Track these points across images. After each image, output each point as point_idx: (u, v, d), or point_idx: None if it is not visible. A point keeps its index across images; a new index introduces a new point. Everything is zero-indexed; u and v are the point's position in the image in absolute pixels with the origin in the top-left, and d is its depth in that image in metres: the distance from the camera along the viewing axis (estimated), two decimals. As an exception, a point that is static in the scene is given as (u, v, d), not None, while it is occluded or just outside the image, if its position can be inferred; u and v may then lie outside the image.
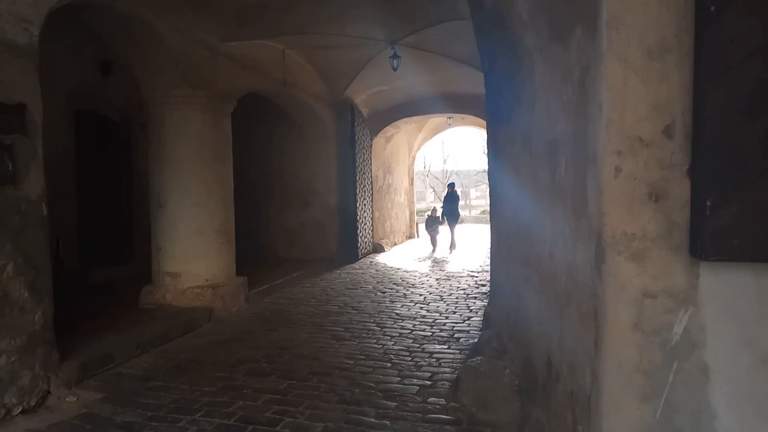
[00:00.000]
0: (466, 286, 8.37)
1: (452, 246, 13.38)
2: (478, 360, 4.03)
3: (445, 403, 3.78)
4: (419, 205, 31.99)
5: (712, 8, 1.79)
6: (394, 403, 3.79)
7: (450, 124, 16.74)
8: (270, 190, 11.21)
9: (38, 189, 3.75)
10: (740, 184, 1.79)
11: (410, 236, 17.02)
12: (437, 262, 11.39)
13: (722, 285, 1.89)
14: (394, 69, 8.53)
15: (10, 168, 3.48)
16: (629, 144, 1.95)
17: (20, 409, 3.54)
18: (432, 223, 13.73)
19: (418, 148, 17.91)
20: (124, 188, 8.46)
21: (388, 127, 13.35)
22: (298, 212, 11.18)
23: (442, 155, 42.35)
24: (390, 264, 11.02)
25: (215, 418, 3.55)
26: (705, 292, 1.91)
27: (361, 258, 11.55)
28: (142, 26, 5.45)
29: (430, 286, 8.45)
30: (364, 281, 8.98)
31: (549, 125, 2.84)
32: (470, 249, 13.62)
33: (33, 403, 3.66)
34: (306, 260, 10.34)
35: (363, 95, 11.41)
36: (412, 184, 17.77)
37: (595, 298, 2.10)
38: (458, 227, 14.27)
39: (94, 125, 7.91)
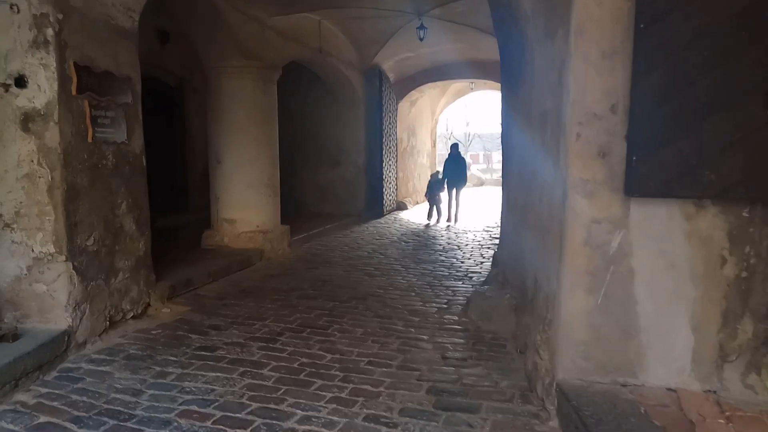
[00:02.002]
0: (482, 239, 9.32)
1: (454, 217, 11.67)
2: (485, 288, 5.02)
3: (457, 318, 4.80)
4: (440, 167, 32.67)
5: (641, 26, 2.64)
6: (417, 318, 4.82)
7: (472, 89, 17.35)
8: (304, 151, 12.16)
9: (140, 144, 4.76)
10: (655, 147, 2.68)
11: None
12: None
13: (644, 214, 2.80)
14: (421, 39, 9.29)
15: (124, 127, 4.48)
16: (587, 117, 2.84)
17: (131, 315, 4.64)
18: (435, 188, 11.89)
19: (441, 112, 18.61)
20: (178, 146, 9.48)
21: (413, 92, 14.11)
22: (330, 171, 12.15)
23: (465, 119, 42.59)
24: (412, 220, 12.00)
25: (280, 323, 4.62)
26: (633, 219, 2.82)
27: (386, 214, 12.54)
28: (206, 5, 6.34)
29: (449, 238, 9.43)
30: (390, 233, 9.99)
31: (541, 101, 3.70)
32: (489, 209, 14.42)
33: (139, 311, 4.76)
34: (336, 215, 11.36)
35: (390, 61, 12.16)
36: (434, 146, 18.56)
37: (561, 224, 3.02)
38: (465, 192, 12.62)
39: (153, 89, 8.88)
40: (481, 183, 27.48)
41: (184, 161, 9.43)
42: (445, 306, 5.22)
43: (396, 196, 13.70)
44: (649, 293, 2.84)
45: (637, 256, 2.83)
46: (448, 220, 11.62)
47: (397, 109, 13.51)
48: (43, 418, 2.99)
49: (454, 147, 12.11)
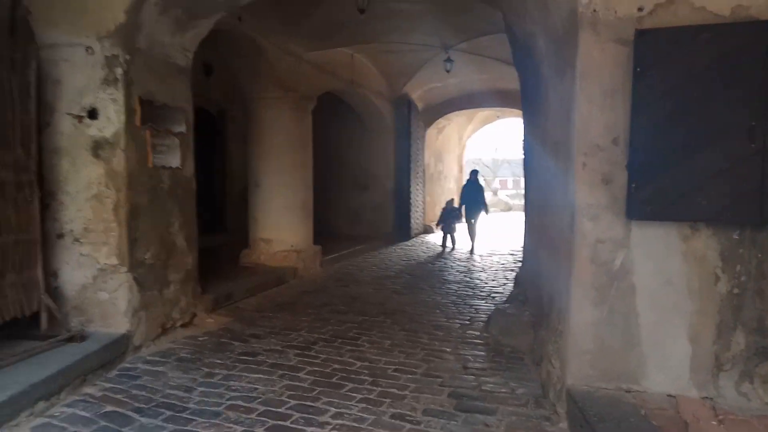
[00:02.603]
0: (506, 262, 9.59)
1: (471, 249, 10.94)
2: (506, 305, 5.32)
3: (479, 334, 5.11)
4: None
5: (638, 69, 3.01)
6: (441, 333, 5.14)
7: (498, 117, 17.75)
8: (335, 175, 12.67)
9: (191, 169, 5.27)
10: (652, 175, 3.01)
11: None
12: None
13: (644, 235, 3.11)
14: (447, 71, 9.77)
15: (178, 154, 4.99)
16: (591, 149, 3.19)
17: (180, 323, 5.09)
18: (448, 217, 11.48)
19: (468, 138, 19.02)
20: (217, 170, 10.09)
21: (440, 119, 14.59)
22: (359, 195, 12.62)
23: (494, 144, 42.86)
24: (439, 243, 12.31)
25: (313, 334, 5.01)
26: (634, 239, 3.14)
27: (413, 237, 12.91)
28: (250, 43, 6.93)
29: (475, 261, 9.73)
30: (417, 255, 10.34)
31: (554, 132, 4.06)
32: (514, 233, 14.63)
33: (186, 320, 5.20)
34: (365, 237, 11.77)
35: (419, 91, 12.68)
36: (461, 171, 18.92)
37: (569, 244, 3.35)
38: (492, 217, 12.18)
39: (196, 117, 9.52)
40: (509, 208, 27.63)
41: (223, 185, 10.01)
42: (467, 322, 5.54)
43: (423, 219, 14.07)
44: (650, 307, 3.13)
45: (638, 273, 3.14)
46: (471, 251, 10.85)
47: (424, 136, 13.97)
48: (109, 408, 3.42)
49: (473, 173, 11.66)
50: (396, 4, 7.26)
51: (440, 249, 11.29)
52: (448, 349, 4.65)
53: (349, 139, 12.56)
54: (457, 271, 8.67)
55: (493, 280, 7.87)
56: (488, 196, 28.00)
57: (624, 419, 2.82)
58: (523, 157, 6.72)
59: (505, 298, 6.32)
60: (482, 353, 4.58)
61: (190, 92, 5.28)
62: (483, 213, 11.19)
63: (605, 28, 3.15)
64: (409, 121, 12.51)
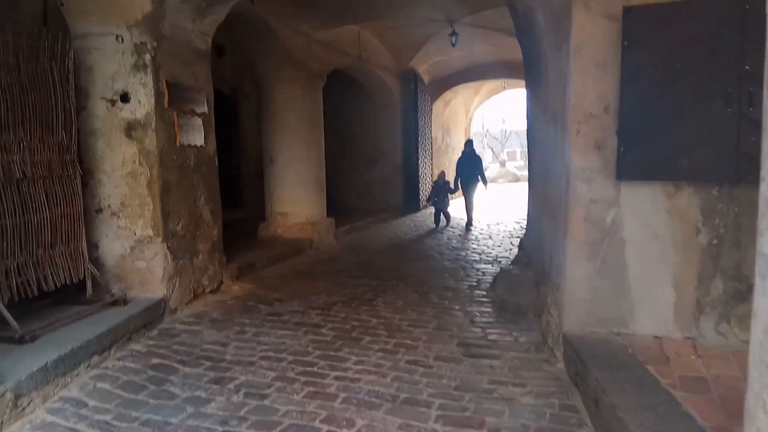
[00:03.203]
0: (512, 229, 9.94)
1: (468, 222, 10.30)
2: (510, 267, 5.69)
3: (485, 293, 5.49)
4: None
5: (625, 43, 3.30)
6: (450, 293, 5.53)
7: (505, 87, 17.86)
8: (344, 151, 12.98)
9: (213, 147, 5.62)
10: (639, 140, 3.33)
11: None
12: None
13: (632, 194, 3.44)
14: (453, 45, 9.96)
15: (202, 133, 5.34)
16: (584, 117, 3.50)
17: (209, 289, 5.50)
18: (439, 192, 10.58)
19: (475, 110, 19.19)
20: (232, 147, 10.44)
21: (447, 92, 14.78)
22: (369, 169, 12.95)
23: (501, 116, 42.61)
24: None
25: (332, 296, 5.42)
26: (624, 199, 3.47)
27: (422, 209, 13.24)
28: (263, 25, 7.20)
29: (482, 229, 10.08)
30: (426, 226, 10.71)
31: (553, 102, 4.36)
32: (522, 203, 14.90)
33: (214, 287, 5.62)
34: (375, 210, 12.13)
35: (425, 65, 12.86)
36: (468, 144, 19.14)
37: (566, 205, 3.69)
38: (478, 196, 10.83)
39: (210, 97, 9.84)
40: (516, 179, 27.79)
41: (239, 161, 10.37)
42: (475, 284, 5.92)
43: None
44: (638, 259, 3.48)
45: (628, 228, 3.48)
46: (468, 225, 10.20)
47: (431, 110, 14.19)
48: (155, 360, 3.85)
49: (468, 144, 10.97)
50: (401, -18, 7.48)
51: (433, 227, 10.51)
52: (456, 307, 5.04)
53: (358, 115, 12.83)
54: (465, 239, 9.03)
55: (500, 246, 8.23)
56: (495, 168, 28.03)
57: (613, 356, 3.19)
58: (527, 127, 7.00)
59: (510, 261, 6.69)
60: (488, 310, 4.96)
61: (210, 74, 5.61)
62: (481, 186, 10.39)
63: (596, 5, 3.43)
64: (416, 95, 12.74)
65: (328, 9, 7.82)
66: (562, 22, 3.82)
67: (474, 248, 8.15)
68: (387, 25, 9.91)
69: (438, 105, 14.87)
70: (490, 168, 30.55)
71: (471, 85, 15.65)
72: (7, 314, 3.59)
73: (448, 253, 7.74)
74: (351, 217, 10.79)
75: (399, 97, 12.63)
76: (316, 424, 2.91)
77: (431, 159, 14.22)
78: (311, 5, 7.53)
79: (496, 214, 12.43)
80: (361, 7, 8.15)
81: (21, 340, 3.53)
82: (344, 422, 2.92)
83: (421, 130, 13.10)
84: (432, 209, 11.10)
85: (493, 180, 27.08)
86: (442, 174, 11.19)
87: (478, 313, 4.85)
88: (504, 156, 37.09)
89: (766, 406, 1.26)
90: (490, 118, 43.63)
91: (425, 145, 13.57)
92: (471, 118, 19.08)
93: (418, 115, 12.91)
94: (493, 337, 4.23)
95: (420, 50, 11.61)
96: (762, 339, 1.29)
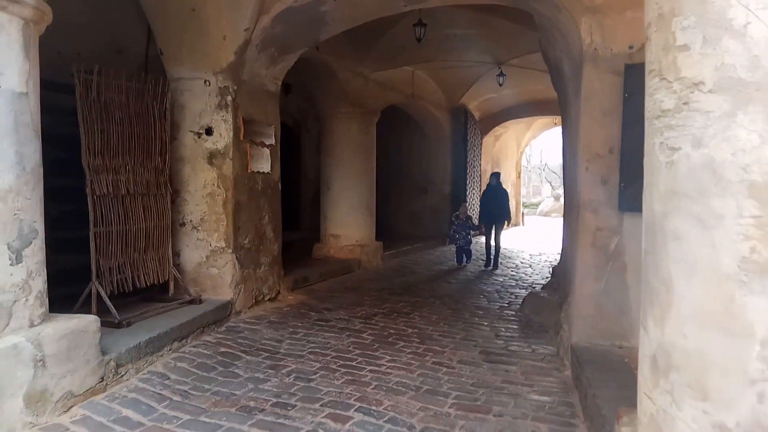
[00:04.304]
0: (554, 260, 10.29)
1: (493, 261, 9.39)
2: (539, 291, 6.17)
3: (514, 313, 6.00)
4: (534, 199, 33.23)
5: (626, 95, 3.87)
6: (481, 312, 6.07)
7: (556, 124, 18.23)
8: (396, 181, 13.74)
9: (278, 174, 6.48)
10: (636, 177, 3.84)
11: (515, 224, 18.83)
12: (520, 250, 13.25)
13: (633, 224, 3.95)
14: (500, 85, 10.64)
15: (269, 162, 6.22)
16: (592, 156, 4.07)
17: (268, 297, 6.29)
18: (461, 229, 9.75)
19: (526, 145, 19.65)
20: (293, 175, 11.40)
21: (497, 127, 15.39)
22: (419, 198, 13.64)
23: (560, 149, 42.11)
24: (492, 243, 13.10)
25: (374, 309, 6.08)
26: (625, 227, 3.98)
27: (474, 236, 13.75)
28: (325, 67, 8.15)
29: (524, 259, 10.50)
30: (473, 252, 11.21)
31: (573, 142, 4.93)
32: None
33: (273, 296, 6.40)
34: (423, 237, 12.75)
35: (475, 102, 13.57)
36: (519, 177, 19.56)
37: (576, 232, 4.23)
38: (505, 234, 10.27)
39: (276, 129, 10.89)
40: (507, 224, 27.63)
41: (299, 188, 11.31)
42: (506, 305, 6.43)
43: (479, 221, 14.88)
44: (637, 281, 3.95)
45: (628, 254, 3.98)
46: (487, 265, 9.40)
47: (481, 144, 14.81)
48: (222, 349, 4.61)
49: (494, 177, 10.01)
50: (450, 31, 8.26)
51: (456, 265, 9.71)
52: (485, 323, 5.58)
53: (410, 147, 13.62)
54: (506, 267, 9.50)
55: (538, 274, 8.67)
56: (550, 202, 27.91)
57: (608, 362, 3.67)
58: (562, 164, 7.53)
59: (542, 287, 7.15)
60: (514, 326, 5.48)
61: (278, 112, 6.51)
62: (505, 223, 9.67)
63: (603, 62, 4.04)
64: (466, 130, 13.42)
65: (383, 53, 8.70)
66: (578, 74, 4.43)
67: (512, 275, 8.62)
68: (439, 66, 10.71)
69: (488, 139, 15.47)
70: (544, 202, 30.58)
71: (523, 120, 16.19)
72: (109, 303, 4.46)
73: (486, 279, 8.26)
74: (399, 242, 11.47)
75: (449, 131, 13.33)
76: (351, 402, 3.55)
77: (480, 190, 14.75)
78: (368, 50, 8.43)
79: (540, 246, 12.78)
80: (413, 52, 8.97)
81: (119, 325, 4.38)
82: (374, 402, 3.54)
83: (470, 163, 13.72)
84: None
85: (547, 214, 27.14)
86: (464, 207, 10.42)
87: (503, 329, 5.38)
88: (559, 191, 36.86)
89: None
90: (549, 152, 43.36)
91: (474, 177, 14.16)
92: (522, 153, 19.52)
93: (468, 149, 13.56)
94: (513, 348, 4.76)
95: (470, 88, 12.35)
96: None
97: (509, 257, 10.73)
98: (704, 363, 1.40)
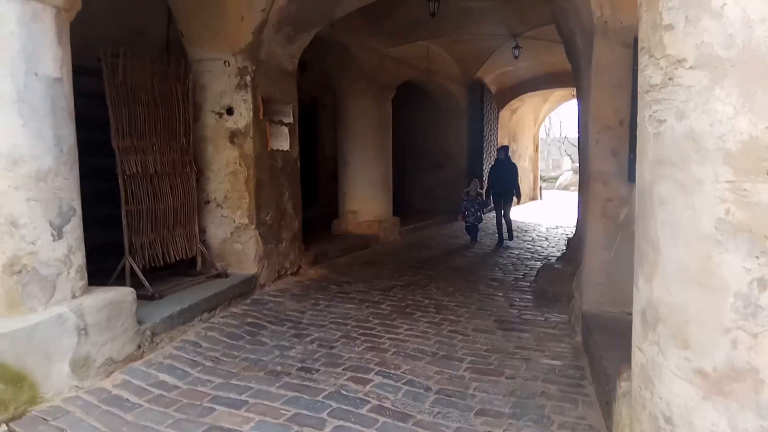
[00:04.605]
0: (570, 233, 10.37)
1: (507, 235, 9.30)
2: (553, 261, 6.30)
3: (528, 284, 6.16)
4: (554, 173, 32.95)
5: (635, 67, 3.92)
6: (496, 283, 6.24)
7: (573, 96, 18.02)
8: (411, 155, 13.82)
9: (296, 152, 6.66)
10: (646, 147, 3.93)
11: (533, 198, 18.85)
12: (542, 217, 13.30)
13: (642, 194, 4.04)
14: (515, 57, 10.60)
15: (287, 140, 6.39)
16: (602, 128, 4.16)
17: (290, 272, 6.53)
18: (470, 206, 9.43)
19: (544, 118, 19.50)
20: (310, 152, 11.57)
21: (513, 101, 15.32)
22: (434, 173, 13.73)
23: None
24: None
25: (392, 281, 6.29)
26: (634, 197, 4.07)
27: (485, 212, 13.84)
28: (340, 44, 8.24)
29: (540, 232, 10.61)
30: (486, 228, 11.30)
31: (584, 115, 5.00)
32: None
33: (294, 270, 6.64)
34: (440, 211, 12.86)
35: (491, 75, 13.51)
36: (536, 150, 19.48)
37: (587, 203, 4.34)
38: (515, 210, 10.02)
39: (293, 108, 11.04)
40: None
41: (317, 165, 11.49)
42: (521, 277, 6.59)
43: (496, 196, 14.95)
44: (648, 250, 4.07)
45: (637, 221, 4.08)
46: (499, 243, 9.13)
47: (498, 117, 14.79)
48: (249, 319, 4.87)
49: (502, 150, 9.70)
50: (465, 3, 8.26)
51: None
52: (500, 294, 5.76)
53: (426, 122, 13.65)
54: (522, 240, 9.63)
55: (553, 247, 8.78)
56: (569, 175, 27.66)
57: (615, 327, 3.80)
58: (578, 136, 7.56)
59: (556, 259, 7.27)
60: (528, 297, 5.64)
61: (296, 90, 6.66)
62: (515, 199, 9.46)
63: (613, 35, 4.09)
64: (482, 104, 13.41)
65: (397, 29, 8.74)
66: (590, 47, 4.49)
67: (528, 248, 8.75)
68: (454, 40, 10.69)
69: (505, 113, 15.42)
70: (563, 175, 30.36)
71: (539, 93, 16.06)
72: (142, 277, 4.71)
73: (501, 251, 8.40)
74: (416, 217, 11.63)
75: (465, 105, 13.33)
76: (371, 366, 3.77)
77: (497, 165, 14.80)
78: (382, 26, 8.47)
79: (557, 219, 12.83)
80: (428, 27, 8.99)
81: (152, 297, 4.64)
82: (392, 366, 3.76)
83: (486, 137, 13.74)
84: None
85: (566, 187, 26.94)
86: (475, 183, 9.92)
87: (517, 299, 5.55)
88: (577, 163, 36.53)
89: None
90: (569, 124, 42.79)
91: (490, 151, 14.17)
92: (539, 126, 19.40)
93: (484, 123, 13.56)
94: (526, 316, 4.93)
95: (486, 62, 12.30)
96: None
97: (525, 231, 10.84)
98: (686, 315, 1.55)
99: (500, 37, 10.63)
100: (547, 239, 9.66)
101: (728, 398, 1.44)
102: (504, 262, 7.56)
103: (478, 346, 4.19)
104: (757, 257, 1.37)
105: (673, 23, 1.52)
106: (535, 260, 7.66)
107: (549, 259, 7.64)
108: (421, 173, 13.87)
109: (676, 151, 1.54)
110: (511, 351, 4.07)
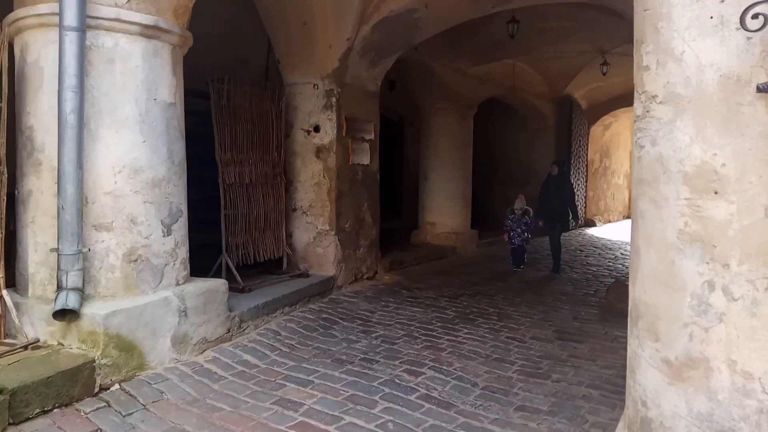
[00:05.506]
0: (657, 253, 10.05)
1: (553, 268, 8.03)
2: (626, 279, 6.30)
3: (597, 299, 6.20)
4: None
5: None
6: (565, 297, 6.35)
7: (674, 111, 17.23)
8: (497, 171, 13.96)
9: (377, 166, 7.20)
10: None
11: (627, 216, 18.13)
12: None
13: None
14: (603, 74, 10.50)
15: (368, 155, 6.94)
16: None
17: (366, 276, 7.04)
18: (515, 226, 8.35)
19: (642, 134, 18.71)
20: (396, 167, 12.13)
21: (606, 116, 14.97)
22: (519, 189, 13.71)
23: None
24: (597, 235, 12.95)
25: (461, 290, 6.59)
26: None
27: (572, 229, 13.63)
28: (423, 65, 8.72)
29: (625, 250, 10.35)
30: (569, 244, 11.23)
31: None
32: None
33: (370, 275, 7.14)
34: (524, 227, 12.90)
35: (581, 91, 13.36)
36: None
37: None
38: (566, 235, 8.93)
39: (382, 124, 11.65)
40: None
41: (401, 179, 12.04)
42: (592, 293, 6.63)
43: (584, 213, 14.65)
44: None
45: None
46: (554, 269, 7.99)
47: (588, 133, 14.53)
48: (324, 315, 5.40)
49: (558, 165, 8.50)
50: (546, 24, 8.43)
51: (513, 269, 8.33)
52: (566, 307, 5.88)
53: (511, 137, 13.75)
54: (603, 258, 9.50)
55: (634, 266, 8.59)
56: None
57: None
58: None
59: (634, 278, 7.19)
60: (594, 311, 5.72)
61: (377, 109, 7.21)
62: (571, 221, 8.50)
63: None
64: (571, 120, 13.29)
65: (480, 49, 9.07)
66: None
67: (608, 265, 8.66)
68: (542, 57, 10.80)
69: (596, 129, 15.10)
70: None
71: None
72: (235, 272, 5.42)
73: (579, 268, 8.39)
74: (496, 230, 11.74)
75: (553, 121, 13.29)
76: (426, 361, 4.14)
77: (585, 181, 14.52)
78: (464, 47, 8.85)
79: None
80: (510, 46, 9.22)
81: (242, 290, 5.32)
82: (445, 363, 4.10)
83: (574, 153, 13.58)
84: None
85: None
86: (521, 200, 8.59)
87: (582, 313, 5.65)
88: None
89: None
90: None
91: (579, 168, 13.97)
92: (636, 142, 18.67)
93: (572, 139, 13.42)
94: (587, 329, 5.05)
95: (575, 78, 12.22)
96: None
97: (610, 249, 10.63)
98: (656, 311, 1.80)
99: (588, 54, 10.59)
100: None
101: (686, 383, 1.69)
102: (578, 278, 7.58)
103: (531, 352, 4.42)
104: (708, 263, 1.62)
105: (649, 65, 1.80)
106: (611, 278, 7.60)
107: (625, 277, 7.54)
108: (505, 188, 13.93)
109: (650, 172, 1.81)
110: (563, 359, 4.26)
